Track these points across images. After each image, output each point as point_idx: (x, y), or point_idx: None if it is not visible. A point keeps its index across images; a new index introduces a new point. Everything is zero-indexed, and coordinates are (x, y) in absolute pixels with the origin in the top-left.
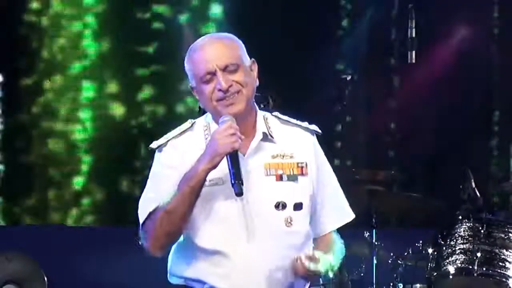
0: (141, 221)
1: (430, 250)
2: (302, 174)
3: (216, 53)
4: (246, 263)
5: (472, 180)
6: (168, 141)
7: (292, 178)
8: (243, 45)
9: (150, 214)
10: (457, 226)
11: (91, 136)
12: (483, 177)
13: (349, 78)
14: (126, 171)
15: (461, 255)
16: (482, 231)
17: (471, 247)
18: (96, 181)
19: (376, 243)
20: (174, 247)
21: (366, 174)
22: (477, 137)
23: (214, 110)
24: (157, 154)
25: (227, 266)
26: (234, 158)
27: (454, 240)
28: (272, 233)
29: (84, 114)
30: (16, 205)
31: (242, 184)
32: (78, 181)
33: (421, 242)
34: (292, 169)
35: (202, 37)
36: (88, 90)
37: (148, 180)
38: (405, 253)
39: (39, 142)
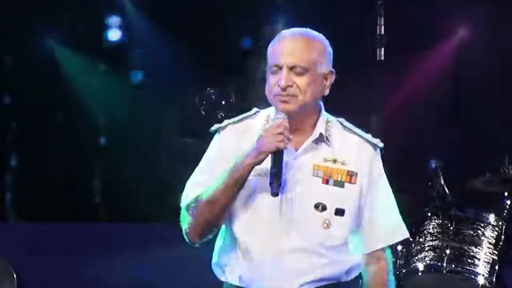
0: (186, 202)
1: (399, 247)
2: (350, 182)
3: (290, 49)
4: (277, 257)
5: (442, 177)
6: (228, 124)
7: (339, 184)
8: (329, 52)
9: (197, 197)
10: (426, 223)
11: None
12: (452, 174)
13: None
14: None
15: (430, 252)
16: (451, 228)
17: (440, 244)
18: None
19: None
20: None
21: None
22: (447, 133)
23: (271, 102)
24: (215, 137)
25: (259, 258)
26: (276, 158)
27: (423, 237)
28: (307, 232)
29: None
30: None
31: (280, 185)
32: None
33: None
34: (341, 175)
35: (293, 29)
36: None
37: (202, 161)
38: None
39: None
